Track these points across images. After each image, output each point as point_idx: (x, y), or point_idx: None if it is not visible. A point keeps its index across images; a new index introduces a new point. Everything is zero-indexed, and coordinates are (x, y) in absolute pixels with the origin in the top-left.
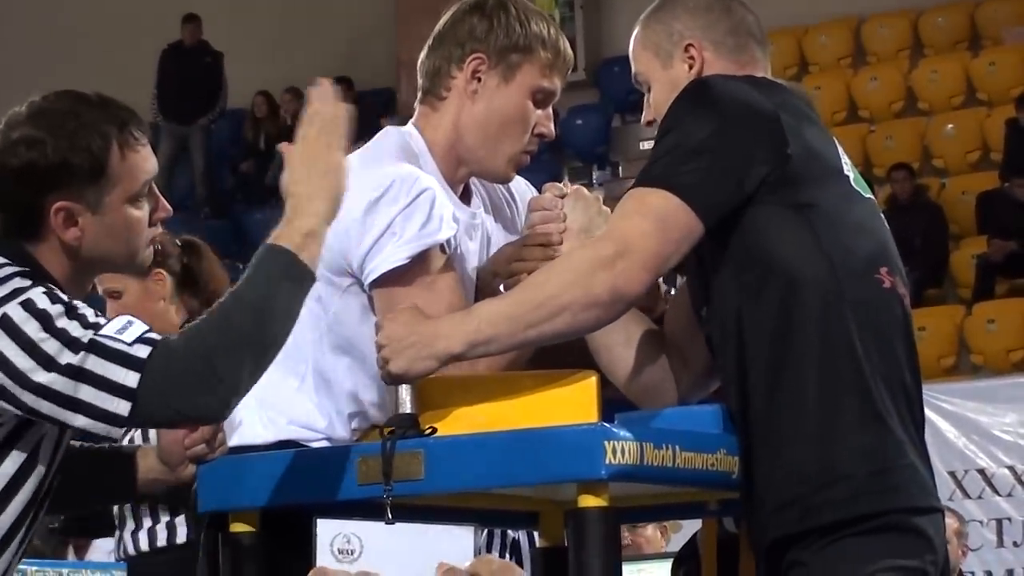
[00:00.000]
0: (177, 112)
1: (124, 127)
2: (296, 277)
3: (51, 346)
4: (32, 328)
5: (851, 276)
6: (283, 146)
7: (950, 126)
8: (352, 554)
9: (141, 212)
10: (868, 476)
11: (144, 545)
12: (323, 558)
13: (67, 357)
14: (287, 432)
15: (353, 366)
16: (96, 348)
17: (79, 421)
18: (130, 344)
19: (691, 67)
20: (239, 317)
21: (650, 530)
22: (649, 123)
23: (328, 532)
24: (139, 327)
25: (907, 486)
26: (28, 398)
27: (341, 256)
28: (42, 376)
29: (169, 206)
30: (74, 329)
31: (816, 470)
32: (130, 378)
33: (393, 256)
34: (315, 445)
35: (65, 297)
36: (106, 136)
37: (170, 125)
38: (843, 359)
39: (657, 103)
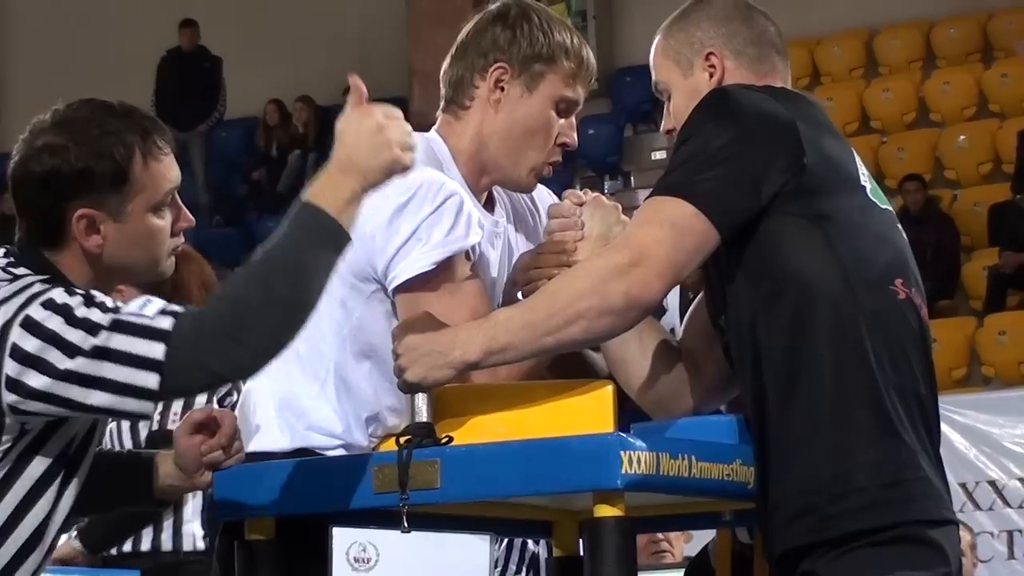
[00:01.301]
0: (175, 119)
1: (147, 136)
2: (332, 240)
3: (75, 335)
4: (55, 323)
5: (866, 287)
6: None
7: (962, 137)
8: (368, 563)
9: (163, 221)
10: (881, 488)
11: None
12: (339, 566)
13: (91, 341)
14: (304, 438)
15: (374, 371)
16: (119, 326)
17: (108, 400)
18: (152, 317)
19: (712, 75)
20: (269, 274)
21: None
22: (669, 132)
23: (344, 540)
24: (159, 302)
25: (920, 498)
26: (59, 388)
27: (366, 262)
28: (68, 363)
29: (191, 216)
30: (95, 315)
31: (829, 481)
32: (156, 349)
33: (419, 262)
34: (332, 452)
35: (81, 290)
36: (129, 144)
37: (170, 132)
38: (857, 370)
39: (677, 111)
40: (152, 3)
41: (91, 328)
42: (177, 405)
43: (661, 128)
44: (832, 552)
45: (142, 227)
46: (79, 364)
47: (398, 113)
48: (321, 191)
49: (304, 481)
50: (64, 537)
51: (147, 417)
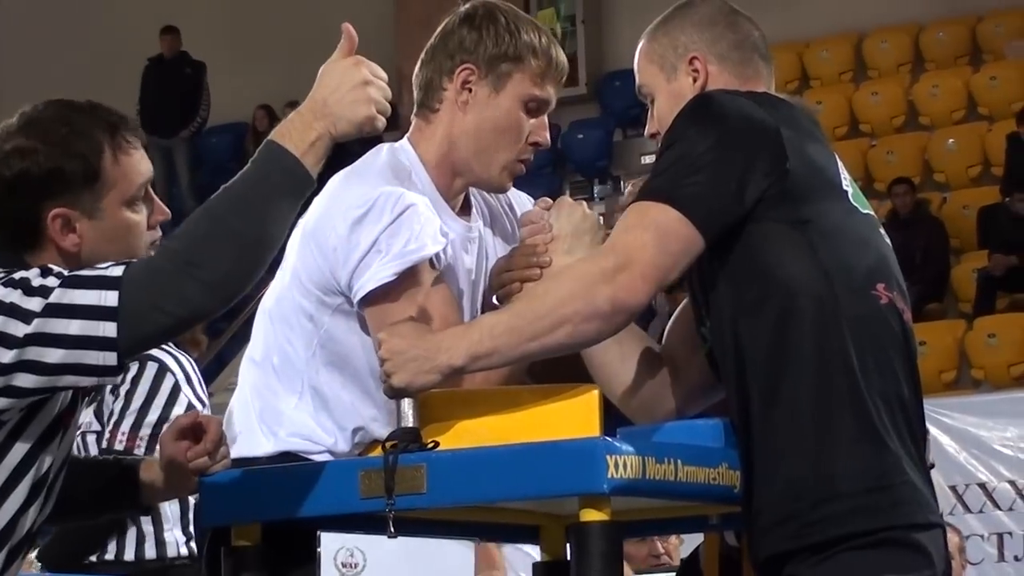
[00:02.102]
0: (159, 126)
1: (115, 131)
2: (291, 178)
3: (32, 303)
4: (15, 296)
5: (848, 292)
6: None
7: (951, 141)
8: (355, 567)
9: (139, 215)
10: (864, 493)
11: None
12: (327, 572)
13: (45, 302)
14: (288, 444)
15: (348, 383)
16: (71, 282)
17: (68, 356)
18: (105, 268)
19: (695, 80)
20: (220, 208)
21: (674, 537)
22: (652, 135)
23: (332, 546)
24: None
25: (905, 503)
26: (23, 355)
27: (330, 274)
28: (26, 329)
29: (167, 209)
30: (50, 282)
31: (813, 486)
32: (109, 297)
33: (380, 273)
34: (317, 457)
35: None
36: (98, 141)
37: (153, 139)
38: (840, 375)
39: (661, 115)
40: (137, 10)
41: (46, 292)
42: (126, 424)
43: (646, 132)
44: (815, 557)
45: (118, 223)
46: (35, 325)
47: (383, 75)
48: (288, 131)
49: (290, 487)
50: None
51: (114, 373)
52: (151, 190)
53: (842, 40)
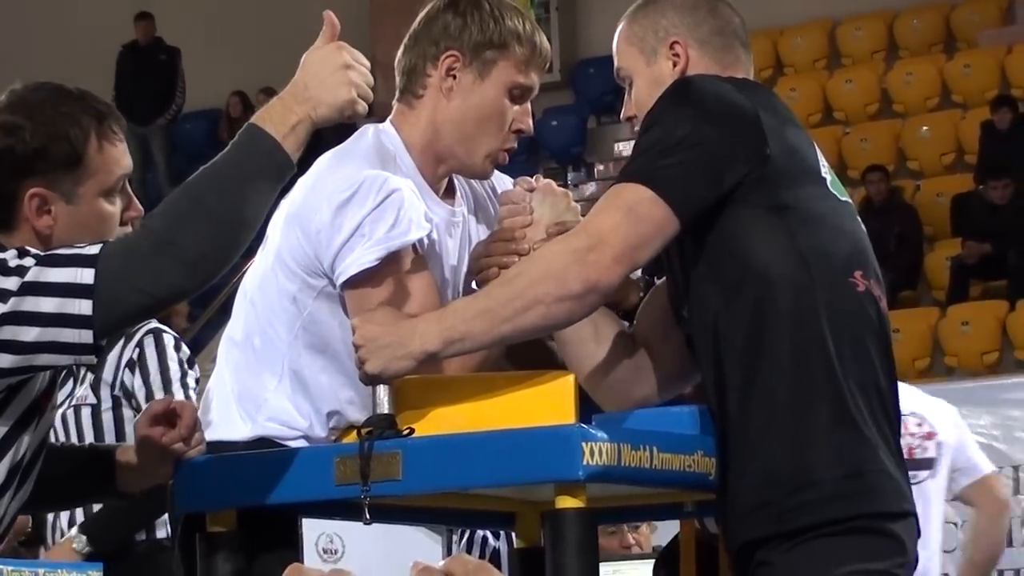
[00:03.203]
0: (134, 113)
1: (103, 120)
2: (269, 160)
3: (8, 282)
4: None
5: (826, 279)
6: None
7: (925, 128)
8: (335, 553)
9: (114, 207)
10: (839, 480)
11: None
12: (308, 557)
13: (20, 281)
14: (265, 429)
15: (328, 366)
16: (47, 260)
17: (43, 334)
18: (82, 247)
19: (675, 64)
20: (198, 187)
21: (645, 528)
22: (630, 118)
23: (312, 532)
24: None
25: (878, 491)
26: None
27: (315, 257)
28: (2, 308)
29: (141, 207)
30: (27, 262)
31: (788, 473)
32: (85, 275)
33: (362, 257)
34: (293, 443)
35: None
36: (85, 127)
37: (130, 126)
38: (816, 362)
39: (639, 99)
40: None
41: (22, 271)
42: (159, 395)
43: (622, 115)
44: (788, 543)
45: (93, 211)
46: (11, 304)
47: (365, 61)
48: (269, 114)
49: (265, 473)
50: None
51: (90, 351)
52: (128, 185)
53: (816, 27)
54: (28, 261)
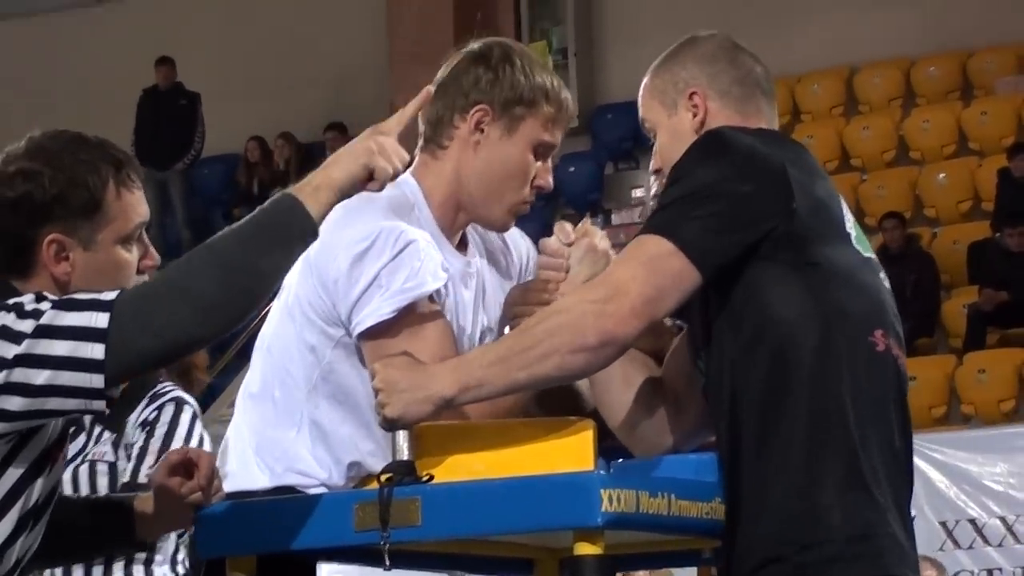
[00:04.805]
0: (154, 157)
1: (121, 167)
2: (293, 218)
3: (23, 325)
4: (8, 319)
5: (846, 338)
6: None
7: (942, 175)
8: None
9: (131, 255)
10: (848, 541)
11: None
12: None
13: (36, 324)
14: (284, 479)
15: (348, 417)
16: (64, 304)
17: (55, 377)
18: (99, 293)
19: (695, 116)
20: (221, 240)
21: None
22: (655, 172)
23: None
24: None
25: (885, 554)
26: (11, 377)
27: (332, 307)
28: (15, 349)
29: (157, 256)
30: (44, 306)
31: (798, 531)
32: (99, 319)
33: (380, 309)
34: (312, 491)
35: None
36: (103, 174)
37: (148, 171)
38: (833, 422)
39: (663, 151)
40: (133, 41)
41: (38, 315)
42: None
43: (650, 167)
44: None
45: (110, 258)
46: (25, 346)
47: (403, 154)
48: (300, 184)
49: (285, 519)
50: None
51: (100, 398)
52: (145, 234)
53: (833, 74)
54: (45, 305)
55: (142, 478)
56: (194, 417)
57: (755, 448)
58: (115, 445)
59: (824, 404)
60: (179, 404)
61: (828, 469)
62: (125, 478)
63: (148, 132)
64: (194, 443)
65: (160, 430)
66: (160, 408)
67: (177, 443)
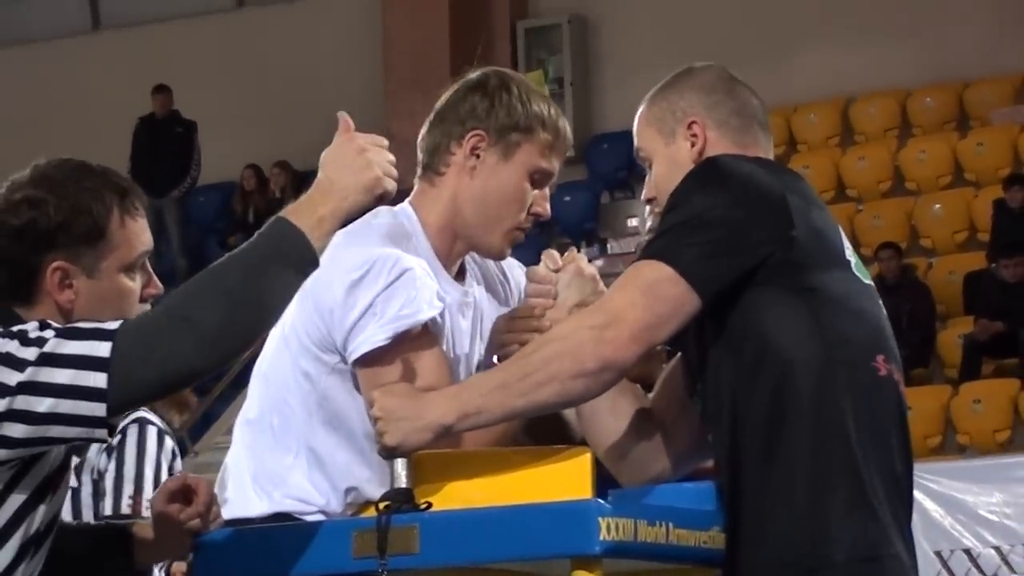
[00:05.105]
0: (150, 185)
1: (125, 196)
2: (294, 249)
3: (27, 352)
4: (11, 346)
5: (847, 363)
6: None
7: (937, 206)
8: None
9: (134, 284)
10: (852, 564)
11: None
12: None
13: (39, 352)
14: (282, 505)
15: (344, 443)
16: (67, 333)
17: (56, 405)
18: (103, 323)
19: (693, 145)
20: (222, 270)
21: None
22: (649, 200)
23: None
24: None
25: (892, 575)
26: (14, 404)
27: (328, 333)
28: (18, 377)
29: (160, 284)
30: (48, 334)
31: (802, 554)
32: (102, 348)
33: (374, 336)
34: (310, 519)
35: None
36: (108, 202)
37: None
38: (836, 446)
39: (658, 180)
40: (129, 69)
41: (42, 342)
42: (128, 487)
43: (643, 196)
44: None
45: (113, 286)
46: (28, 374)
47: (383, 141)
48: (296, 208)
49: (283, 546)
50: None
51: (103, 425)
52: (148, 263)
53: (829, 105)
54: (48, 333)
55: (124, 508)
56: (160, 434)
57: (757, 473)
58: (76, 470)
59: (826, 429)
60: (142, 425)
61: (832, 493)
62: (106, 511)
63: (144, 160)
64: (165, 461)
65: (130, 456)
66: (124, 431)
67: (150, 465)
